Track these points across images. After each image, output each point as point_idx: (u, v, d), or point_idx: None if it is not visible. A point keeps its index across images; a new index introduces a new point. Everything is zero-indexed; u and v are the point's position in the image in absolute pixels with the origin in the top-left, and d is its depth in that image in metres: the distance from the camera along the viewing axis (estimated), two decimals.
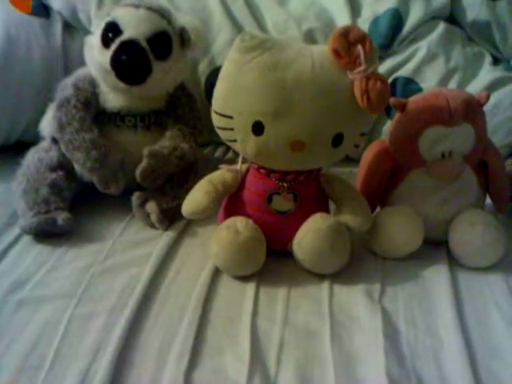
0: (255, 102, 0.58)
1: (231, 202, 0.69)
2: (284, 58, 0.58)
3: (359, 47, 0.58)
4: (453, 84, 0.88)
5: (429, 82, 0.88)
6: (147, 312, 0.57)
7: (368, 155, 0.72)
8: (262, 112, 0.58)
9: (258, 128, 0.59)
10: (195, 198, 0.66)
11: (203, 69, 0.90)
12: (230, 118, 0.60)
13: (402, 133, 0.69)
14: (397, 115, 0.70)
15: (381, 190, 0.72)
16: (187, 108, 0.78)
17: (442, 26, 0.92)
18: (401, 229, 0.67)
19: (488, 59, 0.92)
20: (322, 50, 0.60)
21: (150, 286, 0.61)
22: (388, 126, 0.83)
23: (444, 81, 0.89)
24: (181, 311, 0.58)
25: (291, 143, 0.59)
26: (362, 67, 0.57)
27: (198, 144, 0.78)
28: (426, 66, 0.89)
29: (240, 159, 0.68)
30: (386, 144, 0.72)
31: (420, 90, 0.87)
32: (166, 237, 0.71)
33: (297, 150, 0.60)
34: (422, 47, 0.90)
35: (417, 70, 0.89)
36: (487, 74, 0.90)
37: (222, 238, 0.63)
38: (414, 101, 0.68)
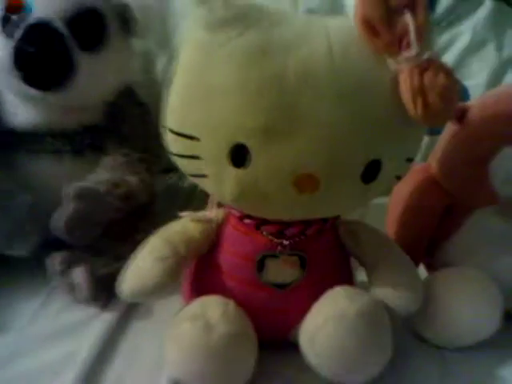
0: (234, 112, 0.36)
1: (201, 270, 0.47)
2: (281, 38, 0.36)
3: (408, 17, 0.36)
4: (510, 78, 0.71)
5: (476, 77, 0.72)
6: None
7: (405, 189, 0.51)
8: (246, 129, 0.36)
9: (239, 155, 0.37)
10: (141, 269, 0.43)
11: (162, 66, 0.68)
12: (194, 139, 0.38)
13: (462, 155, 0.47)
14: (450, 128, 0.48)
15: (426, 240, 0.50)
16: (136, 122, 0.55)
17: (488, 4, 0.76)
18: (470, 305, 0.45)
19: None
20: (345, 25, 0.38)
21: None
22: (428, 143, 0.61)
23: (497, 76, 0.72)
24: None
25: (296, 179, 0.37)
26: (414, 51, 0.35)
27: (153, 175, 0.56)
28: (471, 57, 0.74)
29: (213, 202, 0.46)
30: (433, 171, 0.50)
31: (465, 90, 0.66)
32: (99, 323, 0.49)
33: (306, 191, 0.37)
34: (464, 32, 0.75)
35: (459, 62, 0.73)
36: None
37: (183, 338, 0.40)
38: (479, 106, 0.47)
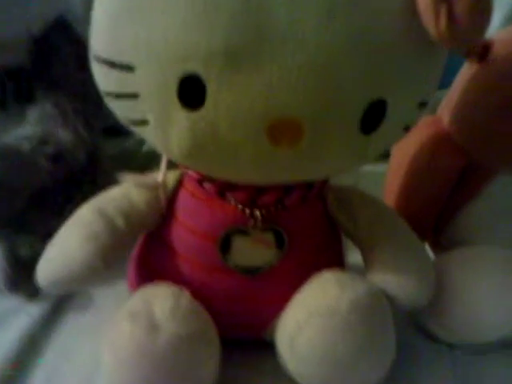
0: (181, 29, 0.25)
1: (149, 250, 0.37)
2: None
3: None
4: None
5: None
6: None
7: (409, 147, 0.41)
8: (199, 53, 0.25)
9: (191, 91, 0.27)
10: (65, 250, 0.33)
11: None
12: (129, 69, 0.28)
13: (483, 102, 0.37)
14: (468, 69, 0.39)
15: (435, 212, 0.41)
16: (71, 63, 0.44)
17: None
18: (492, 293, 0.35)
19: None
20: None
21: None
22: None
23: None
24: None
25: (270, 126, 0.26)
26: None
27: (93, 130, 0.45)
28: None
29: (163, 162, 0.36)
30: (445, 124, 0.40)
31: None
32: (23, 318, 0.39)
33: (284, 143, 0.27)
34: None
35: None
36: None
37: (121, 341, 0.30)
38: (504, 41, 0.37)
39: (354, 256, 0.38)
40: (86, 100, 0.44)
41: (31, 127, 0.41)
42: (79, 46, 0.46)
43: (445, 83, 0.40)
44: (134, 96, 0.28)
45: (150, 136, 0.30)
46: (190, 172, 0.34)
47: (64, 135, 0.41)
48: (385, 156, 0.33)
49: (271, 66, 0.25)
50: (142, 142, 0.60)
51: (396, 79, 0.28)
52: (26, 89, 0.44)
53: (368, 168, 0.48)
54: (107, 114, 0.33)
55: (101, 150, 0.47)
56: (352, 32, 0.25)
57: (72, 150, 0.42)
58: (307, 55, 0.25)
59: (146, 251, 0.37)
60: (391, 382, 0.33)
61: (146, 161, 0.58)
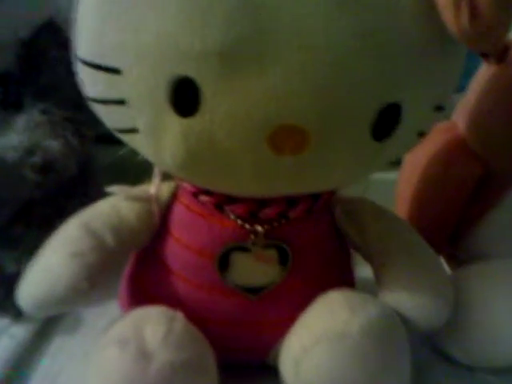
0: (173, 28, 0.23)
1: (142, 268, 0.34)
2: None
3: None
4: None
5: None
6: None
7: (423, 154, 0.38)
8: (193, 54, 0.23)
9: (185, 96, 0.24)
10: (49, 268, 0.30)
11: None
12: (116, 72, 0.25)
13: (503, 106, 0.34)
14: (486, 71, 0.36)
15: (451, 224, 0.38)
16: (60, 69, 0.42)
17: None
18: None
19: None
20: None
21: None
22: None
23: None
24: None
25: (273, 134, 0.24)
26: None
27: (85, 139, 0.42)
28: None
29: (156, 173, 0.33)
30: (461, 130, 0.38)
31: None
32: (7, 341, 0.36)
33: (287, 151, 0.25)
34: None
35: None
36: None
37: (109, 369, 0.27)
38: None
39: (363, 271, 0.35)
40: (76, 107, 0.41)
41: (17, 136, 0.39)
42: (69, 51, 0.43)
43: (460, 87, 0.38)
44: (121, 102, 0.26)
45: (142, 146, 0.28)
46: (185, 184, 0.31)
47: (53, 144, 0.39)
48: (396, 163, 0.31)
49: (273, 67, 0.23)
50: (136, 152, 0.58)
51: (411, 81, 0.25)
52: (14, 95, 0.42)
53: (378, 175, 0.45)
54: (99, 121, 0.30)
55: (93, 160, 0.44)
56: (363, 30, 0.23)
57: (61, 160, 0.39)
58: (313, 55, 0.23)
59: (138, 269, 0.34)
60: None
61: (142, 170, 0.55)
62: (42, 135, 0.39)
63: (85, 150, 0.42)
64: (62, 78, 0.42)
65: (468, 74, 0.38)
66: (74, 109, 0.42)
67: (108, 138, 0.51)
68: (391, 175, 0.42)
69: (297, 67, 0.23)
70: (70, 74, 0.39)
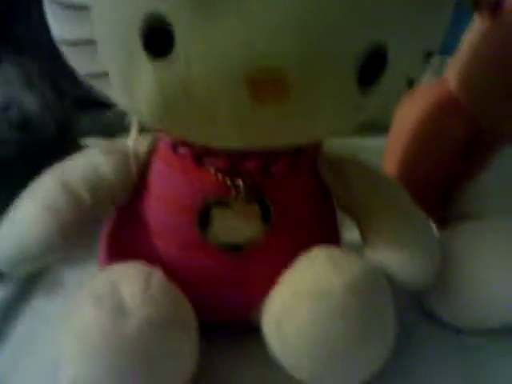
0: None
1: (121, 225, 0.33)
2: None
3: None
4: None
5: None
6: None
7: (412, 111, 0.37)
8: None
9: (157, 37, 0.23)
10: (22, 223, 0.29)
11: None
12: (84, 9, 0.24)
13: (495, 63, 0.33)
14: (478, 26, 0.35)
15: (441, 184, 0.38)
16: (37, 21, 0.40)
17: None
18: (505, 271, 0.32)
19: None
20: None
21: None
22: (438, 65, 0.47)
23: None
24: None
25: (251, 79, 0.23)
26: None
27: (64, 96, 0.41)
28: None
29: (134, 126, 0.32)
30: (452, 87, 0.37)
31: None
32: None
33: (268, 99, 0.24)
34: None
35: None
36: None
37: (84, 327, 0.27)
38: None
39: (350, 232, 0.35)
40: (54, 61, 0.40)
41: None
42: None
43: (451, 47, 0.37)
44: (91, 42, 0.24)
45: (116, 94, 0.27)
46: (164, 137, 0.30)
47: (30, 99, 0.38)
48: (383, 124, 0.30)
49: (250, 4, 0.22)
50: (122, 115, 0.56)
51: (395, 21, 0.24)
52: None
53: (368, 143, 0.44)
54: (79, 80, 0.29)
55: (73, 121, 0.43)
56: None
57: (39, 118, 0.38)
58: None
59: (118, 227, 0.33)
60: (392, 370, 0.30)
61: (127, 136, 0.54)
62: (18, 89, 0.38)
63: (64, 108, 0.41)
64: (37, 29, 0.41)
65: (459, 33, 0.37)
66: (52, 62, 0.40)
67: (90, 102, 0.49)
68: (381, 141, 0.41)
69: (275, 4, 0.21)
70: (46, 27, 0.37)
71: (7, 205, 0.34)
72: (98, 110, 0.55)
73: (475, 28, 0.36)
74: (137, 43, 0.23)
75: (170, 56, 0.23)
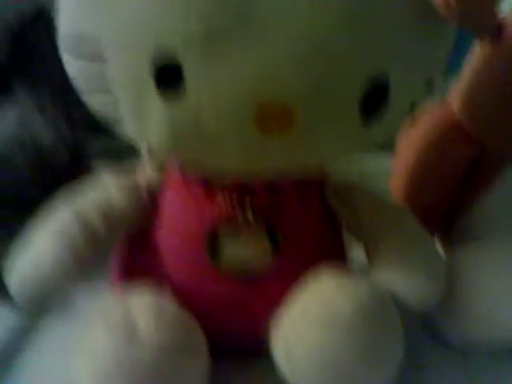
0: (154, 10, 0.23)
1: (134, 253, 0.34)
2: None
3: None
4: None
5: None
6: None
7: (417, 135, 0.38)
8: (176, 36, 0.23)
9: (168, 78, 0.24)
10: (36, 251, 0.31)
11: None
12: (97, 59, 0.25)
13: (497, 87, 0.34)
14: (481, 51, 0.36)
15: (445, 205, 0.38)
16: (50, 58, 0.42)
17: None
18: (509, 290, 0.33)
19: None
20: None
21: None
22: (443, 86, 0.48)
23: None
24: None
25: (259, 112, 0.24)
26: None
27: (76, 126, 0.42)
28: None
29: (146, 157, 0.33)
30: (455, 110, 0.37)
31: None
32: None
33: (273, 131, 0.25)
34: None
35: None
36: None
37: (97, 352, 0.27)
38: None
39: (356, 253, 0.35)
40: (66, 94, 0.41)
41: (7, 127, 0.39)
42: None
43: (454, 68, 0.37)
44: (106, 91, 0.26)
45: (126, 126, 0.28)
46: (174, 167, 0.31)
47: (44, 134, 0.39)
48: (388, 144, 0.31)
49: (256, 46, 0.23)
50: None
51: (398, 53, 0.25)
52: (5, 86, 0.42)
53: (372, 168, 0.45)
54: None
55: (85, 147, 0.44)
56: (348, 4, 0.23)
57: (53, 149, 0.39)
58: (297, 29, 0.23)
59: (129, 253, 0.34)
60: None
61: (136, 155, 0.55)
62: (32, 123, 0.39)
63: (77, 137, 0.42)
64: (50, 66, 0.42)
65: (462, 55, 0.38)
66: (64, 95, 0.42)
67: (101, 126, 0.50)
68: (385, 166, 0.42)
69: (282, 43, 0.23)
70: (59, 62, 0.39)
71: (21, 232, 0.35)
72: (109, 133, 0.56)
73: (477, 53, 0.37)
74: (149, 83, 0.24)
75: (180, 96, 0.24)
